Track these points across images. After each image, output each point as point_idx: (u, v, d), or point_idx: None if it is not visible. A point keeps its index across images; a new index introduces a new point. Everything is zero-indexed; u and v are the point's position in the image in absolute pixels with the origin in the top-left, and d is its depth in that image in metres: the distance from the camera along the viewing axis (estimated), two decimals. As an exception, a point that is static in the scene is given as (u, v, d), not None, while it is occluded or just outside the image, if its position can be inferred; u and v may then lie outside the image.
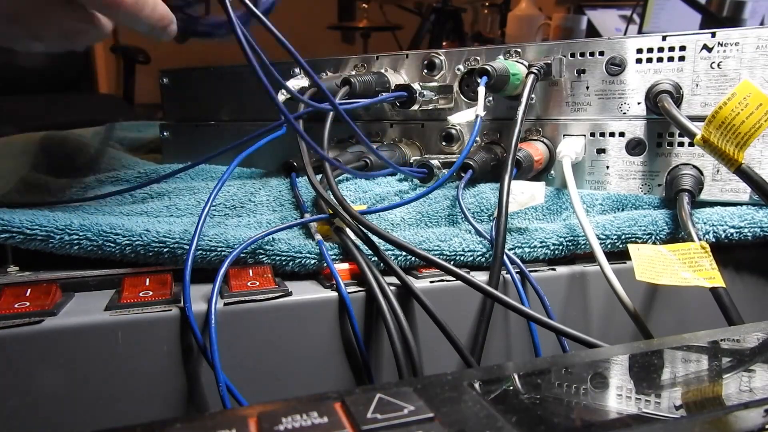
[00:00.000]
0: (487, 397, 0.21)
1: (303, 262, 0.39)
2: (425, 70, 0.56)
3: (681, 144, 0.47)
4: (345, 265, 0.39)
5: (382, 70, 0.57)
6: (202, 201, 0.49)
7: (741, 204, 0.46)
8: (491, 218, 0.47)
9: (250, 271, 0.38)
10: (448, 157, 0.52)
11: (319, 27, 2.08)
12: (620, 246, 0.43)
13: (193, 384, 0.35)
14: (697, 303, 0.43)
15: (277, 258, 0.39)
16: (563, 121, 0.51)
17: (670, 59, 0.46)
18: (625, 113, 0.49)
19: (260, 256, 0.39)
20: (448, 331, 0.36)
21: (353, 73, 0.58)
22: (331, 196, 0.42)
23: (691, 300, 0.44)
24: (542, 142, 0.52)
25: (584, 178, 0.51)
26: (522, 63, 0.51)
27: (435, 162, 0.50)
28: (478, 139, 0.54)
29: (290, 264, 0.39)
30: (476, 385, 0.22)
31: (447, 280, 0.39)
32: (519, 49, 0.51)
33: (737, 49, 0.44)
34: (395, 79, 0.56)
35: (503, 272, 0.40)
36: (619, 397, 0.22)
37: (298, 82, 0.55)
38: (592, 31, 1.49)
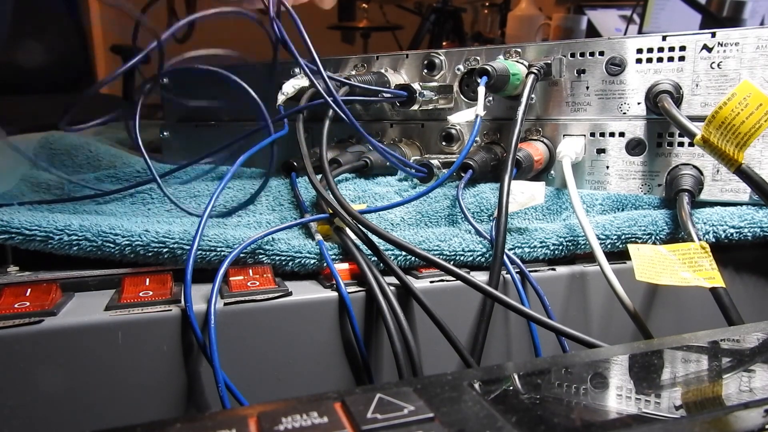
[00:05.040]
0: (487, 397, 0.21)
1: (303, 262, 0.39)
2: (425, 70, 0.56)
3: (681, 144, 0.47)
4: (345, 265, 0.39)
5: (382, 70, 0.57)
6: (203, 203, 0.49)
7: (741, 204, 0.46)
8: (491, 218, 0.47)
9: (250, 271, 0.38)
10: (448, 157, 0.52)
11: (319, 27, 2.08)
12: (620, 246, 0.43)
13: (193, 384, 0.35)
14: (697, 303, 0.43)
15: (277, 258, 0.39)
16: (563, 121, 0.51)
17: (670, 59, 0.46)
18: (625, 113, 0.49)
19: (260, 256, 0.39)
20: (447, 331, 0.36)
21: (353, 73, 0.58)
22: (331, 196, 0.42)
23: (691, 300, 0.44)
24: (542, 142, 0.52)
25: (584, 178, 0.51)
26: (522, 63, 0.51)
27: (435, 162, 0.50)
28: (478, 139, 0.54)
29: (290, 264, 0.39)
30: (476, 385, 0.22)
31: (447, 280, 0.39)
32: (519, 49, 0.51)
33: (737, 49, 0.44)
34: (395, 79, 0.56)
35: (503, 272, 0.40)
36: (619, 397, 0.22)
37: (298, 82, 0.55)
38: (592, 31, 1.48)
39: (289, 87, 0.54)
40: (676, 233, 0.44)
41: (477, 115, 0.46)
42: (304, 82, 0.55)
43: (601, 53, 0.49)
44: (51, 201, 0.49)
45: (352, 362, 0.38)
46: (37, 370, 0.32)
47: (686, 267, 0.38)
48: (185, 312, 0.34)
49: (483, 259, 0.41)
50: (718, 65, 0.45)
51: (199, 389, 0.35)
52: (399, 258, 0.40)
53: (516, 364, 0.24)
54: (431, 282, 0.39)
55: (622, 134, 0.49)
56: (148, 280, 0.38)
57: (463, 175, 0.48)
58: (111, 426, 0.19)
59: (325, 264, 0.39)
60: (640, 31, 1.32)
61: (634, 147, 0.49)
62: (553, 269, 0.42)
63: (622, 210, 0.48)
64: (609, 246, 0.43)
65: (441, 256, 0.40)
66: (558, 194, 0.50)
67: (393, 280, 0.38)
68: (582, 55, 0.49)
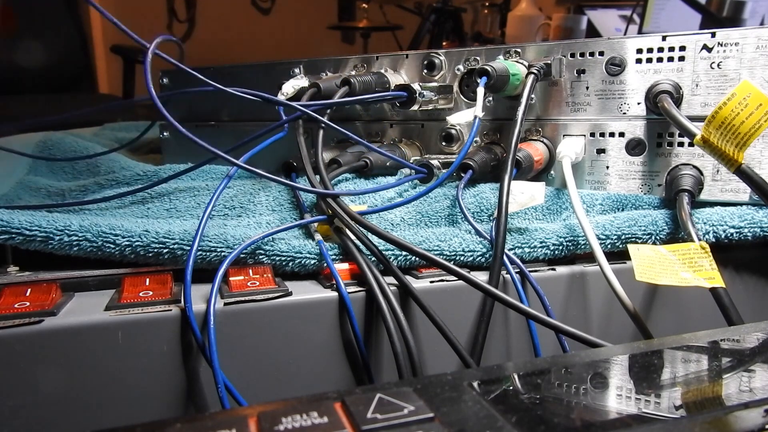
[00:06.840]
0: (487, 397, 0.21)
1: (303, 262, 0.39)
2: (425, 70, 0.56)
3: (681, 144, 0.47)
4: (345, 265, 0.39)
5: (382, 70, 0.57)
6: (203, 203, 0.49)
7: (741, 204, 0.46)
8: (491, 218, 0.47)
9: (250, 271, 0.38)
10: (448, 157, 0.52)
11: (319, 27, 2.08)
12: (620, 246, 0.43)
13: (193, 384, 0.35)
14: (697, 303, 0.43)
15: (277, 258, 0.39)
16: (563, 121, 0.51)
17: (670, 59, 0.46)
18: (625, 113, 0.49)
19: (260, 257, 0.39)
20: (446, 331, 0.36)
21: (353, 73, 0.58)
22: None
23: (691, 300, 0.44)
24: (542, 142, 0.52)
25: (584, 178, 0.51)
26: (522, 63, 0.51)
27: (435, 162, 0.50)
28: (477, 139, 0.54)
29: (290, 264, 0.39)
30: (476, 385, 0.22)
31: (447, 280, 0.39)
32: (519, 49, 0.51)
33: (737, 49, 0.44)
34: (395, 79, 0.56)
35: (503, 272, 0.40)
36: (619, 397, 0.22)
37: (297, 82, 0.55)
38: (592, 31, 1.49)
39: (289, 87, 0.54)
40: (676, 233, 0.44)
41: (475, 117, 0.46)
42: (303, 81, 0.55)
43: (601, 53, 0.49)
44: (51, 205, 0.49)
45: (352, 362, 0.38)
46: (37, 370, 0.32)
47: (686, 267, 0.38)
48: (185, 312, 0.34)
49: (483, 259, 0.41)
50: (718, 65, 0.45)
51: (198, 389, 0.35)
52: (399, 258, 0.40)
53: (516, 364, 0.24)
54: (431, 282, 0.39)
55: (622, 134, 0.49)
56: (148, 280, 0.38)
57: (462, 175, 0.48)
58: (111, 426, 0.19)
59: (325, 264, 0.39)
60: (640, 31, 1.32)
61: (634, 147, 0.49)
62: (553, 269, 0.42)
63: (622, 210, 0.48)
64: (609, 246, 0.43)
65: (441, 256, 0.40)
66: (558, 194, 0.50)
67: (393, 280, 0.38)
68: (582, 55, 0.49)
